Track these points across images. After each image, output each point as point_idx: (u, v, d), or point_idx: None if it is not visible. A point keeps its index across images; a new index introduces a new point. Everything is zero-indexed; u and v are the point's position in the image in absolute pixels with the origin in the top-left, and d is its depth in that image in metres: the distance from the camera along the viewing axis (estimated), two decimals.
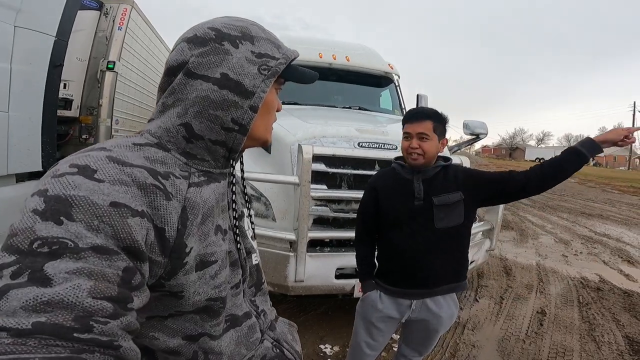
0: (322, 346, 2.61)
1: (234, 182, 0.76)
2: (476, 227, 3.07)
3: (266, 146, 0.75)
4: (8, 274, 0.41)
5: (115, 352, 0.42)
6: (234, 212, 0.74)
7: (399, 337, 1.84)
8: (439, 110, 1.59)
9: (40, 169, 3.77)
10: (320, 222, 2.57)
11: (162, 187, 0.55)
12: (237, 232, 0.75)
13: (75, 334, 0.39)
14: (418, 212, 1.53)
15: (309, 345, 2.61)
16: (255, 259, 0.81)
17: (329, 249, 2.56)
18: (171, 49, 0.67)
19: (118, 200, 0.48)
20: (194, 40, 0.63)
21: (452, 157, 2.64)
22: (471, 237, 2.97)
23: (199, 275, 0.61)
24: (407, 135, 1.56)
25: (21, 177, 3.58)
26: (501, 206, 3.00)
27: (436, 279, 1.56)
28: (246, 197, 0.86)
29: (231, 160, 0.71)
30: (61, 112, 4.38)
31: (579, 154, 1.40)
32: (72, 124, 4.98)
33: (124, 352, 0.43)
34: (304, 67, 0.75)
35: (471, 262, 2.95)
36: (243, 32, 0.65)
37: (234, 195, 0.74)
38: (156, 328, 0.61)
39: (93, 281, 0.42)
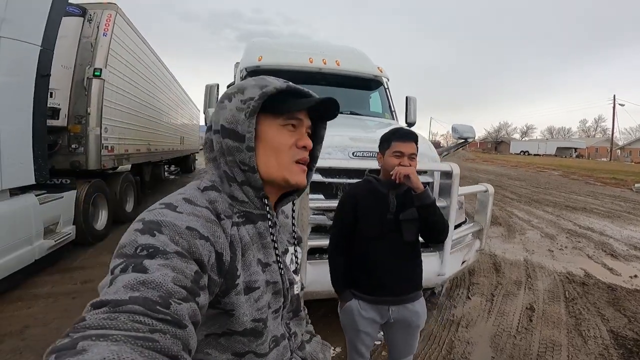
0: None
1: (275, 224, 0.84)
2: (467, 229, 3.17)
3: (298, 188, 0.82)
4: (118, 270, 0.55)
5: (183, 331, 0.51)
6: (276, 250, 0.84)
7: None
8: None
9: (33, 182, 3.69)
10: (318, 230, 2.64)
11: (218, 223, 0.71)
12: (282, 266, 0.84)
13: (157, 307, 0.50)
14: (390, 225, 1.65)
15: None
16: (296, 289, 0.91)
17: (327, 255, 2.62)
18: None
19: (191, 225, 0.64)
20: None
21: (442, 163, 2.73)
22: (462, 238, 3.10)
23: (246, 299, 0.74)
24: (399, 154, 1.62)
25: (14, 191, 3.53)
26: (489, 207, 3.10)
27: (404, 287, 1.70)
28: (294, 239, 0.95)
29: (265, 201, 0.79)
30: (49, 122, 4.28)
31: (425, 207, 1.60)
32: (60, 134, 4.87)
33: (189, 334, 0.52)
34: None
35: (463, 262, 3.06)
36: (239, 87, 0.77)
37: (273, 237, 0.83)
38: (211, 345, 0.73)
39: (175, 273, 0.56)
